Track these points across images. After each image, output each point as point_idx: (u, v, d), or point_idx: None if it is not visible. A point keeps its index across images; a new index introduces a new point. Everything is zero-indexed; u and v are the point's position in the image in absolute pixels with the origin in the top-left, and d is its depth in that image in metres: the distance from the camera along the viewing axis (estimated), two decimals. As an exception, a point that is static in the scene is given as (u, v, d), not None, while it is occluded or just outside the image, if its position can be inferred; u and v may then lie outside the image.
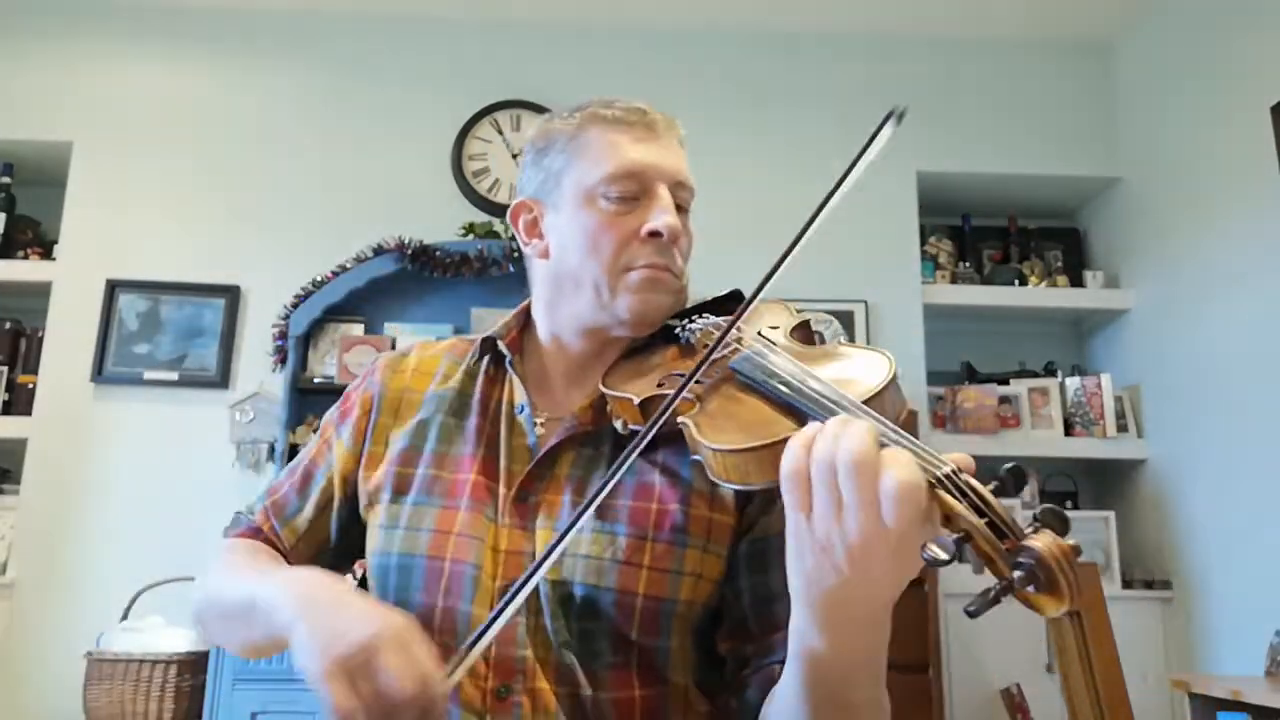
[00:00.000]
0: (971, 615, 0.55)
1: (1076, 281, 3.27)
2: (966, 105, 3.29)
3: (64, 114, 3.14)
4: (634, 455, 0.73)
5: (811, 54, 3.34)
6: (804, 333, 0.90)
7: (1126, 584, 2.91)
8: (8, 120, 3.12)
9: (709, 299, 0.96)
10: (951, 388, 3.12)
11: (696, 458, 0.74)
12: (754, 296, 0.80)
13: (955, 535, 0.56)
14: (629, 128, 0.93)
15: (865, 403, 0.67)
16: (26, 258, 3.07)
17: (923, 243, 3.23)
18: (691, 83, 3.28)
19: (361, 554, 0.98)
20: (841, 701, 0.69)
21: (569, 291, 0.93)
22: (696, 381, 0.79)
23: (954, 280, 3.25)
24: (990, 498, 0.57)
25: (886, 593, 0.62)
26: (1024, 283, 3.25)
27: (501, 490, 0.90)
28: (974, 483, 0.58)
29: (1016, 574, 0.54)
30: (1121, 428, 3.05)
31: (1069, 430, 3.07)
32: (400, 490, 0.92)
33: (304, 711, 2.31)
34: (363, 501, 0.97)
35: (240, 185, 3.14)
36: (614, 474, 0.73)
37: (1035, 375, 3.21)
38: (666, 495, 0.87)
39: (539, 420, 0.94)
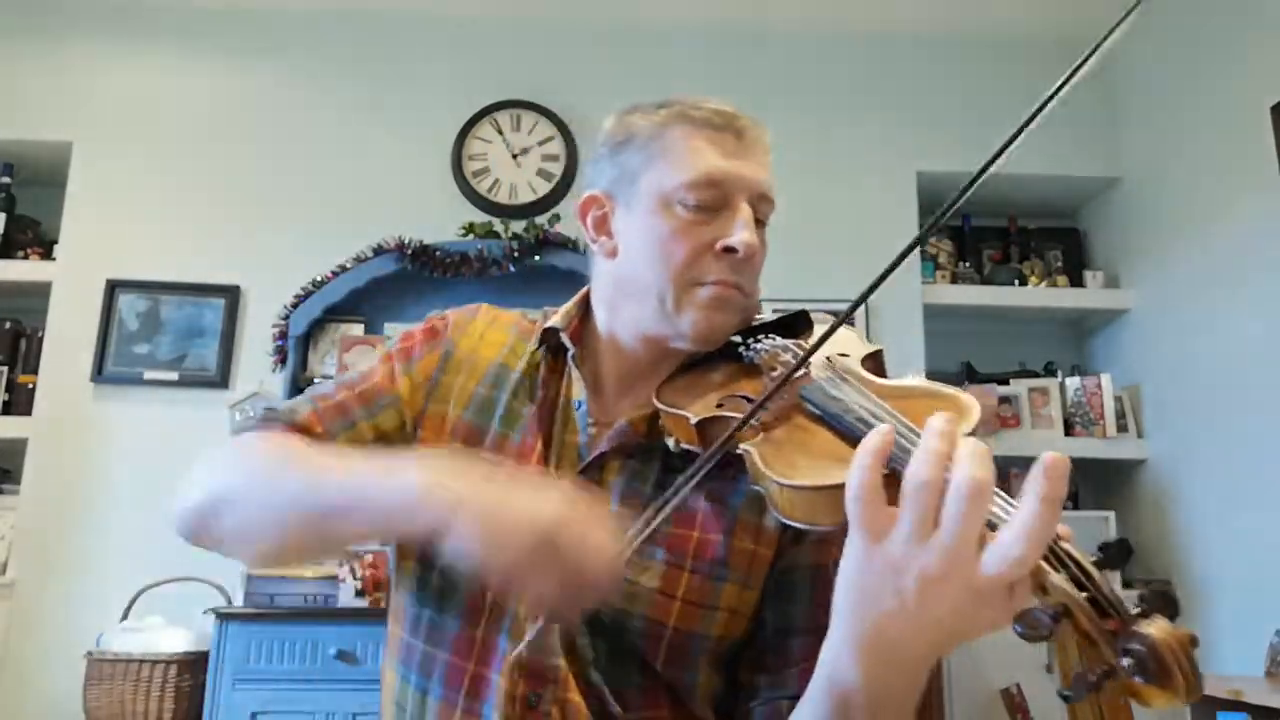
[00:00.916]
0: (1068, 701, 0.51)
1: (1076, 281, 3.27)
2: (966, 105, 3.29)
3: (64, 114, 3.14)
4: (696, 479, 0.70)
5: (811, 53, 3.34)
6: (875, 363, 0.85)
7: (1126, 584, 2.90)
8: (8, 120, 3.12)
9: (774, 318, 0.92)
10: (951, 388, 3.12)
11: (757, 488, 0.69)
12: (840, 321, 0.75)
13: (1052, 608, 0.50)
14: (716, 132, 0.88)
15: None
16: (26, 258, 3.07)
17: (923, 242, 3.23)
18: (692, 82, 3.27)
19: None
20: None
21: (632, 296, 0.89)
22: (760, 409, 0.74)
23: (954, 280, 3.25)
24: (1093, 570, 0.52)
25: (940, 641, 0.56)
26: (1024, 283, 3.25)
27: None
28: (1075, 552, 0.52)
29: (1125, 661, 0.48)
30: (1121, 428, 3.05)
31: (1069, 430, 3.07)
32: None
33: (304, 711, 2.31)
34: None
35: (240, 185, 3.13)
36: (678, 488, 0.70)
37: (1035, 375, 3.21)
38: (710, 524, 0.83)
39: (590, 421, 0.90)
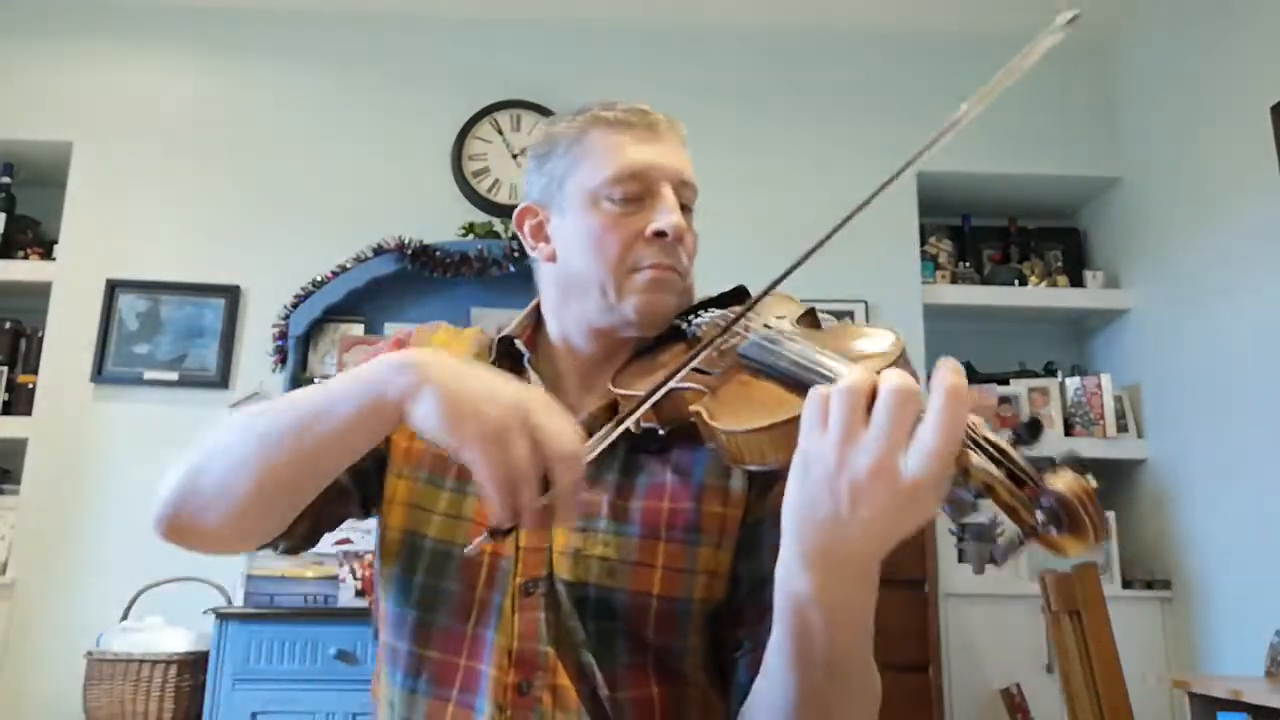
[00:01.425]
0: (996, 563, 0.55)
1: (1076, 281, 3.27)
2: (966, 105, 3.29)
3: (64, 114, 3.14)
4: (649, 402, 0.76)
5: (810, 53, 3.34)
6: (810, 319, 0.91)
7: (1126, 584, 2.90)
8: (8, 120, 3.12)
9: (714, 295, 0.97)
10: (951, 388, 3.12)
11: (711, 446, 0.74)
12: (778, 281, 0.80)
13: (974, 488, 0.55)
14: (630, 129, 0.93)
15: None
16: (26, 258, 3.07)
17: (923, 243, 3.23)
18: (692, 81, 3.28)
19: (369, 501, 0.95)
20: (825, 660, 0.67)
21: (576, 294, 0.94)
22: (705, 373, 0.79)
23: (954, 280, 3.25)
24: (1009, 448, 0.57)
25: (877, 542, 0.59)
26: (1024, 283, 3.25)
27: None
28: (992, 435, 0.57)
29: (1039, 516, 0.53)
30: (1121, 428, 3.05)
31: (1069, 430, 3.07)
32: (438, 472, 0.92)
33: (304, 711, 2.31)
34: (390, 474, 0.94)
35: (240, 185, 3.14)
36: (633, 409, 0.76)
37: (1035, 375, 3.21)
38: (679, 494, 0.88)
39: None
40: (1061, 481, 0.54)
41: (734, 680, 0.84)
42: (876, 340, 0.75)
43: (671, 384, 0.77)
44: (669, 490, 0.88)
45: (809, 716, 0.71)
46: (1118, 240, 3.27)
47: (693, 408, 0.76)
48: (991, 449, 0.57)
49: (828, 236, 0.76)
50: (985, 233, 3.42)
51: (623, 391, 0.85)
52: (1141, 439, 3.05)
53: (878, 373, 0.59)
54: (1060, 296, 3.21)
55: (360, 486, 0.94)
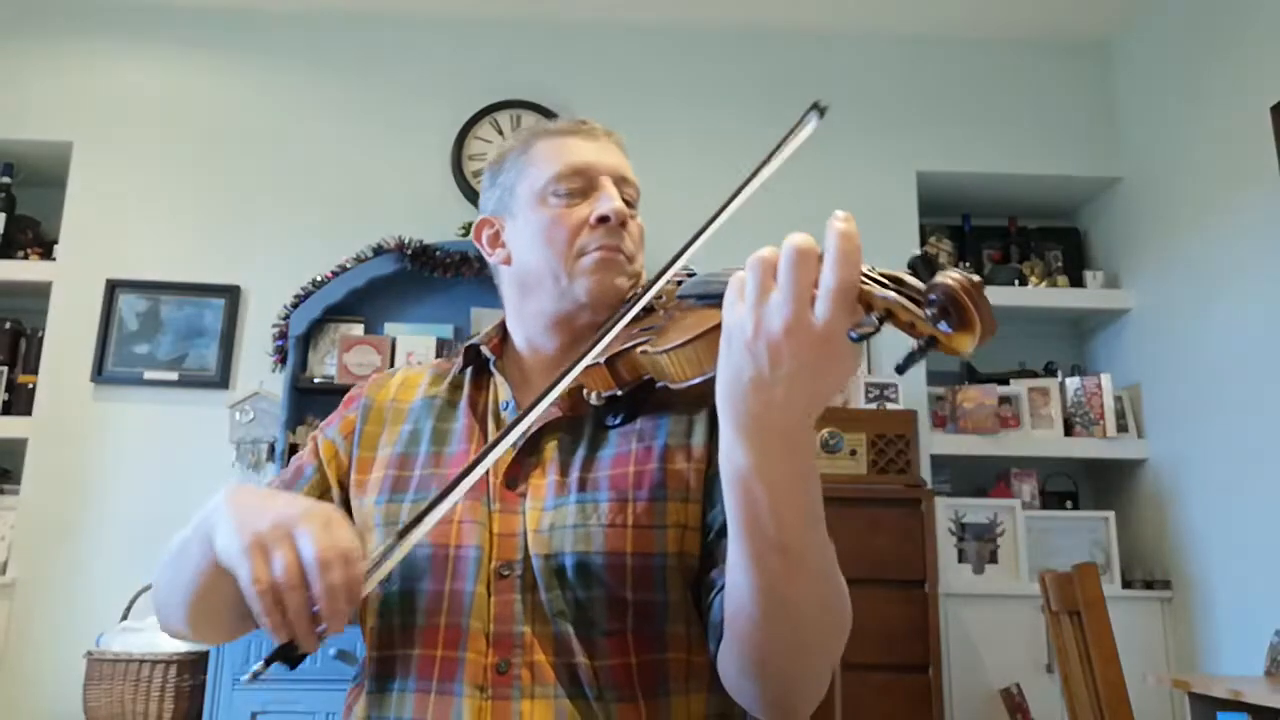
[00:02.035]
0: (900, 371, 0.57)
1: (1076, 281, 3.27)
2: (966, 105, 3.29)
3: (64, 114, 3.14)
4: (637, 307, 0.80)
5: (812, 53, 3.34)
6: None
7: (1126, 584, 2.91)
8: (8, 120, 3.12)
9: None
10: (951, 388, 3.12)
11: (660, 383, 0.79)
12: (680, 254, 0.83)
13: (877, 313, 0.58)
14: (572, 134, 1.02)
15: None
16: (26, 258, 3.07)
17: (923, 243, 3.23)
18: (691, 80, 3.28)
19: None
20: (777, 542, 0.68)
21: (532, 288, 0.99)
22: (650, 328, 0.85)
23: (954, 280, 3.24)
24: (901, 274, 0.59)
25: (804, 399, 0.62)
26: (1024, 283, 3.25)
27: (491, 479, 0.93)
28: (883, 270, 0.60)
29: (929, 312, 0.55)
30: (1121, 428, 3.05)
31: (1069, 430, 3.07)
32: (399, 489, 0.96)
33: (304, 711, 2.31)
34: (355, 503, 0.99)
35: (240, 185, 3.14)
36: (618, 318, 0.80)
37: (1035, 375, 3.21)
38: (643, 457, 0.92)
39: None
40: (946, 277, 0.55)
41: (710, 622, 0.86)
42: None
43: (590, 356, 0.80)
44: (634, 456, 0.92)
45: (770, 607, 0.72)
46: (1118, 240, 3.27)
47: (638, 351, 0.81)
48: (887, 280, 0.59)
49: (723, 207, 0.83)
50: (985, 233, 3.42)
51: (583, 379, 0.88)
52: (1141, 439, 3.05)
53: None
54: (1060, 296, 3.21)
55: None
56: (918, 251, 0.59)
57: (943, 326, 0.55)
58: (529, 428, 0.82)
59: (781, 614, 0.73)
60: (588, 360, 0.80)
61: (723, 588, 0.83)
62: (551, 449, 0.94)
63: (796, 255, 0.59)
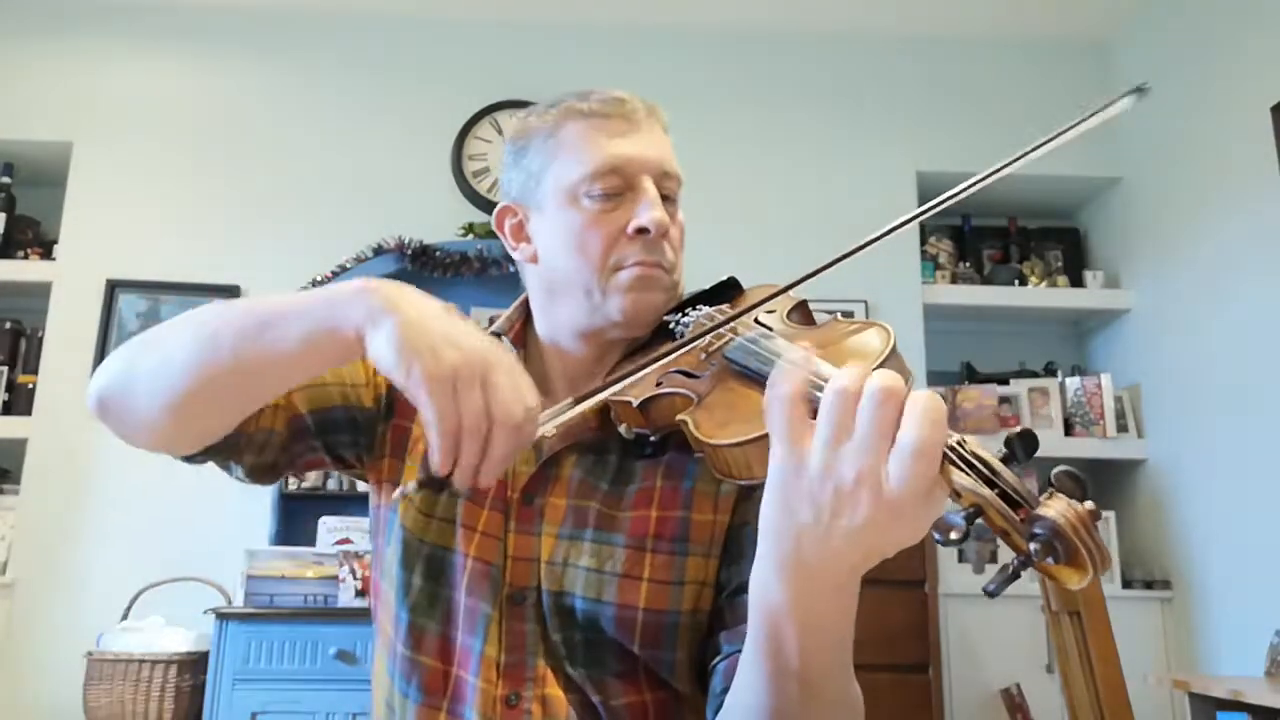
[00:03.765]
0: (991, 595, 0.52)
1: (1076, 281, 3.27)
2: (966, 105, 3.29)
3: (64, 114, 3.14)
4: (639, 375, 0.74)
5: (811, 52, 3.34)
6: (803, 314, 0.87)
7: (1126, 584, 2.90)
8: (8, 120, 3.12)
9: (704, 290, 0.93)
10: (952, 388, 3.12)
11: (700, 456, 0.71)
12: (767, 299, 0.78)
13: (966, 510, 0.52)
14: (607, 120, 0.89)
15: None
16: (26, 258, 3.07)
17: (923, 243, 3.23)
18: (692, 81, 3.28)
19: (340, 459, 0.93)
20: (798, 674, 0.63)
21: (561, 295, 0.91)
22: (693, 376, 0.77)
23: (954, 280, 3.25)
24: (999, 466, 0.53)
25: (859, 554, 0.56)
26: (1024, 283, 3.25)
27: (508, 492, 0.88)
28: (981, 452, 0.54)
29: (1033, 546, 0.49)
30: (1121, 428, 3.05)
31: (1069, 430, 3.07)
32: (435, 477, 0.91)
33: (304, 711, 2.31)
34: (376, 461, 0.93)
35: (240, 185, 3.13)
36: (640, 367, 0.74)
37: (1035, 375, 3.21)
38: (668, 501, 0.85)
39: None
40: (1054, 509, 0.50)
41: (710, 689, 0.81)
42: (869, 339, 0.71)
43: (641, 374, 0.74)
44: (659, 497, 0.85)
45: None
46: (1118, 240, 3.27)
47: (680, 416, 0.73)
48: (981, 466, 0.53)
49: (830, 264, 0.74)
50: (985, 233, 3.41)
51: (613, 397, 0.82)
52: (1141, 439, 3.05)
53: (867, 373, 0.56)
54: (1060, 296, 3.21)
55: (339, 433, 0.91)
56: (1016, 429, 0.53)
57: (1048, 560, 0.49)
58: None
59: None
60: (630, 380, 0.74)
61: (728, 655, 0.79)
62: (571, 468, 0.88)
63: (883, 395, 0.52)
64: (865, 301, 3.09)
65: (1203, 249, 2.81)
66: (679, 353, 0.74)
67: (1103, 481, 3.23)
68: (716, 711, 0.76)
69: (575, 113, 0.91)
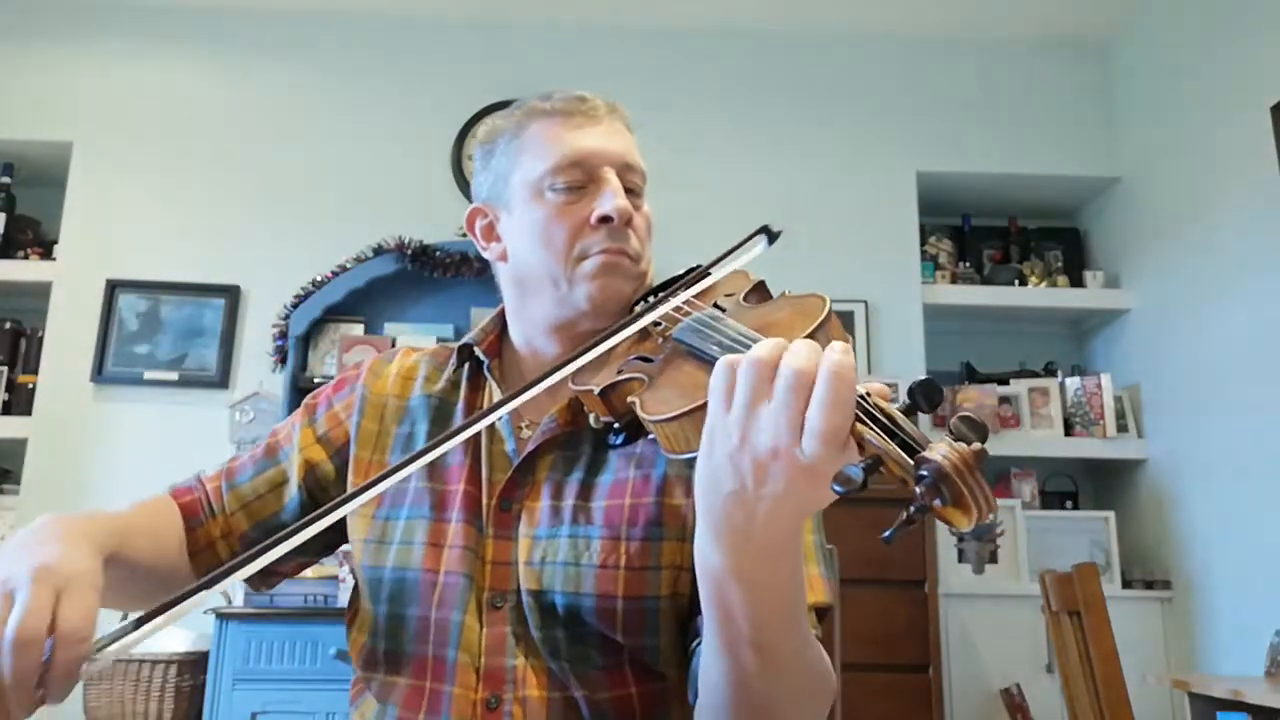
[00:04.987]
0: (887, 541, 0.52)
1: (1076, 281, 3.27)
2: (966, 105, 3.29)
3: (64, 114, 3.14)
4: (593, 352, 0.77)
5: (811, 53, 3.34)
6: (760, 294, 0.87)
7: (1126, 584, 2.90)
8: (8, 120, 3.12)
9: (672, 277, 0.94)
10: (951, 388, 3.12)
11: (653, 438, 0.73)
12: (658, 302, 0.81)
13: (865, 461, 0.52)
14: (568, 117, 0.92)
15: None
16: (26, 258, 3.07)
17: (923, 243, 3.23)
18: (691, 81, 3.28)
19: (330, 546, 0.96)
20: (751, 640, 0.64)
21: (531, 290, 0.92)
22: (649, 360, 0.79)
23: (954, 280, 3.25)
24: (901, 418, 0.54)
25: (786, 519, 0.58)
26: (1024, 283, 3.25)
27: (484, 500, 0.89)
28: (884, 405, 0.55)
29: (919, 489, 0.50)
30: (1121, 428, 3.05)
31: (1069, 430, 3.07)
32: (396, 504, 0.91)
33: (304, 711, 2.31)
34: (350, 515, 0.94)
35: (240, 185, 3.14)
36: (573, 358, 0.77)
37: (1035, 375, 3.21)
38: (640, 489, 0.86)
39: (522, 424, 0.93)
40: (938, 451, 0.50)
41: (691, 670, 0.82)
42: (806, 309, 0.72)
43: (570, 368, 0.77)
44: (631, 486, 0.87)
45: (740, 698, 0.68)
46: (1118, 240, 3.27)
47: (630, 399, 0.75)
48: (884, 419, 0.54)
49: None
50: (985, 233, 3.42)
51: (577, 387, 0.82)
52: (1141, 439, 3.05)
53: (791, 342, 0.57)
54: (1060, 296, 3.21)
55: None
56: (922, 377, 0.54)
57: (935, 502, 0.50)
58: (479, 429, 0.76)
59: (750, 708, 0.69)
60: (566, 371, 0.76)
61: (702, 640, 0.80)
62: (546, 467, 0.89)
63: (797, 380, 0.54)
64: (865, 301, 3.09)
65: (1203, 249, 2.81)
66: (614, 340, 0.77)
67: (1103, 481, 3.23)
68: (697, 693, 0.78)
69: (538, 112, 0.94)
